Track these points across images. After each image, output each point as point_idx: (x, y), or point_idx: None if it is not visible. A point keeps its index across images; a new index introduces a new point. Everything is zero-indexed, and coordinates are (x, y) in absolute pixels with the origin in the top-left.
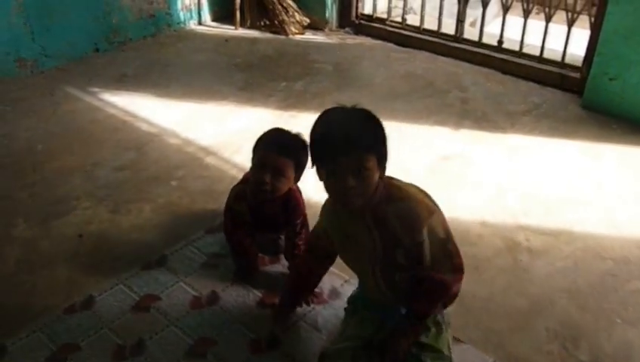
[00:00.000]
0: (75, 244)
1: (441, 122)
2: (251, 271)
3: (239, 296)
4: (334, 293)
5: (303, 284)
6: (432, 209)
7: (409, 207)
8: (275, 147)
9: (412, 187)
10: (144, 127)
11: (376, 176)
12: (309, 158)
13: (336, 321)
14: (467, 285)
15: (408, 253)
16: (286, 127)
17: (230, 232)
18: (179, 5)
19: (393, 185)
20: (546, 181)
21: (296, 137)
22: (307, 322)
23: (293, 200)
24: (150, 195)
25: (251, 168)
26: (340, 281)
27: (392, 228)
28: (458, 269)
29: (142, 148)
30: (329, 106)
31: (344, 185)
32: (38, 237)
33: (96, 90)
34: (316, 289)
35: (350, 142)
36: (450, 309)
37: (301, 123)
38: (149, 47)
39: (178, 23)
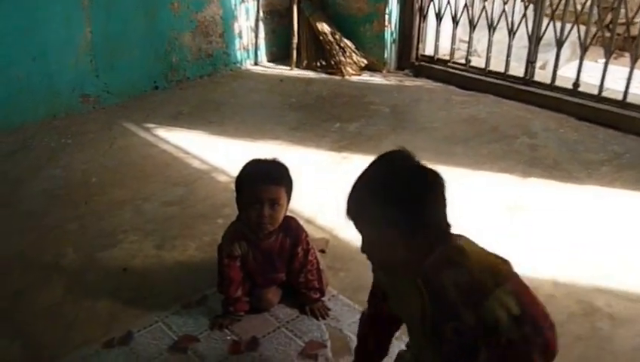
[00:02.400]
0: (118, 278)
1: (508, 169)
2: (229, 312)
3: (280, 345)
4: None
5: (370, 351)
6: (502, 278)
7: (470, 274)
8: (266, 179)
9: (479, 249)
10: (195, 163)
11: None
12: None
13: None
14: None
15: (464, 331)
16: (339, 170)
17: (226, 264)
18: (236, 45)
19: (454, 246)
20: (630, 239)
21: (278, 163)
22: None
23: (292, 226)
24: (196, 232)
25: (243, 207)
26: None
27: (450, 299)
28: (545, 346)
29: (191, 184)
30: (385, 149)
31: None
32: (85, 269)
33: (152, 126)
34: None
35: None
36: None
37: (354, 165)
38: (205, 85)
39: (235, 63)
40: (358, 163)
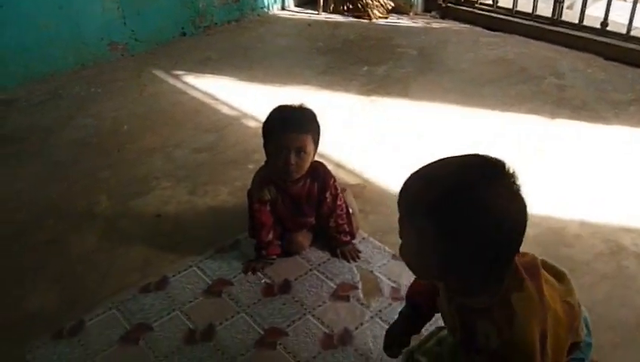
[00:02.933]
0: (152, 224)
1: (535, 110)
2: (262, 256)
3: (312, 287)
4: None
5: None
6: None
7: (502, 346)
8: (292, 127)
9: (531, 315)
10: (224, 109)
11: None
12: None
13: None
14: None
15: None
16: (367, 113)
17: (256, 209)
18: None
19: (505, 308)
20: None
21: (305, 109)
22: (383, 319)
23: (320, 171)
24: (227, 178)
25: (270, 154)
26: None
27: (476, 340)
28: None
29: (221, 130)
30: (413, 92)
31: None
32: (119, 216)
33: (180, 73)
34: (393, 285)
35: None
36: None
37: (383, 108)
38: (233, 31)
39: (262, 8)
40: (387, 106)
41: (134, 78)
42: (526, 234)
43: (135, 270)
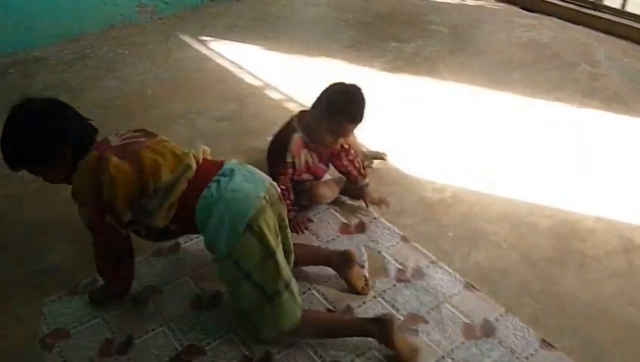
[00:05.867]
0: None
1: (564, 99)
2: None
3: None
4: (418, 273)
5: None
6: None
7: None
8: (358, 122)
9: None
10: (248, 79)
11: None
12: None
13: (417, 304)
14: (569, 285)
15: None
16: (391, 91)
17: (283, 173)
18: None
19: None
20: None
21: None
22: (386, 299)
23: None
24: (245, 148)
25: (327, 129)
26: (426, 261)
27: None
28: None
29: (243, 100)
30: (440, 72)
31: None
32: None
33: (207, 39)
34: (399, 266)
35: None
36: None
37: (407, 87)
38: None
39: None
40: (412, 85)
41: (162, 41)
42: (539, 225)
43: None
